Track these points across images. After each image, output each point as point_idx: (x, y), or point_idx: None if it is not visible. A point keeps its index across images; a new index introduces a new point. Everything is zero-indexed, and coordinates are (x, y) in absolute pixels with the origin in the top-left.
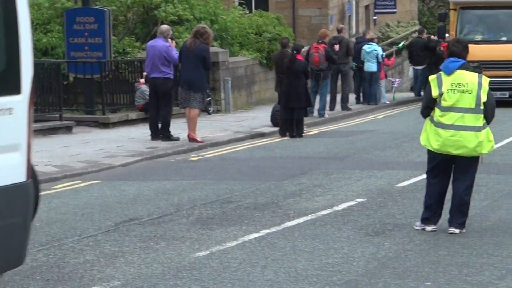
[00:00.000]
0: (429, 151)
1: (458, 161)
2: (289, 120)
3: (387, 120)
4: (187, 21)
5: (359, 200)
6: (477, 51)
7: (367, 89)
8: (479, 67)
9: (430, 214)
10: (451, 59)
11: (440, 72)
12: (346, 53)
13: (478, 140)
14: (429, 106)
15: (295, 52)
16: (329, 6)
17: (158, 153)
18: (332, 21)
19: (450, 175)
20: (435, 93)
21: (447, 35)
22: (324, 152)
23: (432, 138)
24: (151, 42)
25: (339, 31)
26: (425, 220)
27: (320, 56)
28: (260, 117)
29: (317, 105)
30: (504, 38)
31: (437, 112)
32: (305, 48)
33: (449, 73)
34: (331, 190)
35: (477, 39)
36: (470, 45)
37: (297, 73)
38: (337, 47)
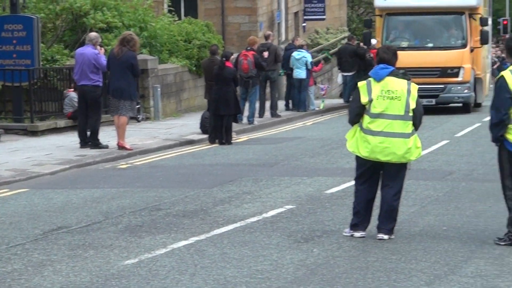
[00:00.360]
0: (357, 158)
1: (387, 168)
2: (219, 127)
3: (316, 127)
4: (116, 28)
5: (288, 207)
6: (403, 58)
7: (296, 96)
8: (406, 73)
9: (359, 221)
10: (381, 65)
11: (370, 78)
12: (275, 60)
13: (406, 146)
14: (359, 113)
15: (224, 59)
16: (258, 13)
17: (87, 161)
18: (261, 28)
19: (379, 181)
20: (364, 99)
21: (373, 41)
22: (254, 159)
23: (361, 145)
24: (80, 50)
25: (267, 37)
26: (354, 227)
27: (249, 63)
28: (190, 124)
29: (246, 112)
30: (431, 45)
31: (366, 119)
32: (234, 55)
33: (378, 79)
34: (260, 197)
35: (403, 46)
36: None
37: (226, 80)
38: (266, 54)
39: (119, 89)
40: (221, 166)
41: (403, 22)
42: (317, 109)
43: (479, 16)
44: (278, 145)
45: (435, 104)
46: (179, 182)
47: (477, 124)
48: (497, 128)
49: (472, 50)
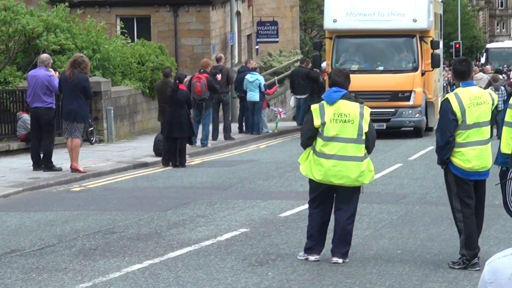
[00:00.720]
0: (311, 181)
1: (340, 191)
2: (172, 150)
3: (270, 150)
4: (69, 50)
5: (242, 230)
6: (353, 81)
7: (249, 118)
8: (356, 97)
9: (313, 244)
10: (333, 88)
11: (323, 101)
12: (227, 82)
13: (360, 170)
14: (311, 136)
15: (177, 81)
16: (212, 36)
17: (40, 183)
18: (214, 51)
19: (332, 205)
20: (317, 122)
21: (323, 64)
22: (207, 182)
23: (314, 168)
24: (32, 72)
25: (218, 60)
26: (308, 250)
27: (202, 86)
28: (143, 147)
29: (199, 135)
30: (381, 68)
31: (319, 142)
32: (188, 78)
33: (331, 103)
34: (215, 220)
35: (353, 69)
36: None
37: (179, 103)
38: (219, 76)
39: (72, 111)
40: (175, 189)
41: (353, 45)
42: (270, 131)
43: (430, 39)
44: (232, 168)
45: (386, 129)
46: (133, 205)
47: (430, 147)
48: (443, 150)
49: (423, 74)
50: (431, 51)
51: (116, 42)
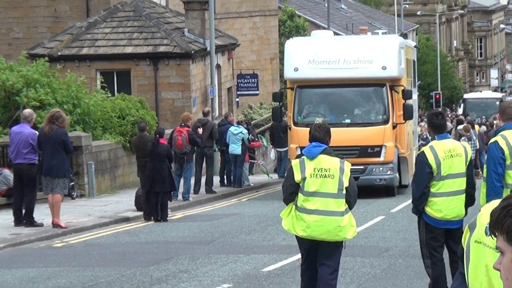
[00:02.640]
0: (296, 236)
1: (322, 246)
2: (153, 204)
3: (251, 203)
4: (49, 105)
5: (225, 285)
6: None
7: (231, 171)
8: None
9: None
10: (313, 144)
11: (303, 156)
12: (210, 137)
13: (341, 225)
14: (293, 192)
15: (158, 136)
16: (192, 89)
17: (21, 239)
18: (195, 104)
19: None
20: (297, 177)
21: (285, 117)
22: (189, 236)
23: (296, 223)
24: (16, 128)
25: (206, 114)
26: None
27: (183, 139)
28: (124, 201)
29: (181, 189)
30: (348, 121)
31: (300, 197)
32: (167, 131)
33: (311, 158)
34: (197, 275)
35: (317, 122)
36: (308, 129)
37: (160, 157)
38: (200, 130)
39: (53, 167)
40: (157, 244)
41: (316, 95)
42: (251, 185)
43: (402, 88)
44: (214, 222)
45: None
46: (115, 261)
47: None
48: (419, 201)
49: (394, 126)
50: (403, 101)
51: (96, 96)
